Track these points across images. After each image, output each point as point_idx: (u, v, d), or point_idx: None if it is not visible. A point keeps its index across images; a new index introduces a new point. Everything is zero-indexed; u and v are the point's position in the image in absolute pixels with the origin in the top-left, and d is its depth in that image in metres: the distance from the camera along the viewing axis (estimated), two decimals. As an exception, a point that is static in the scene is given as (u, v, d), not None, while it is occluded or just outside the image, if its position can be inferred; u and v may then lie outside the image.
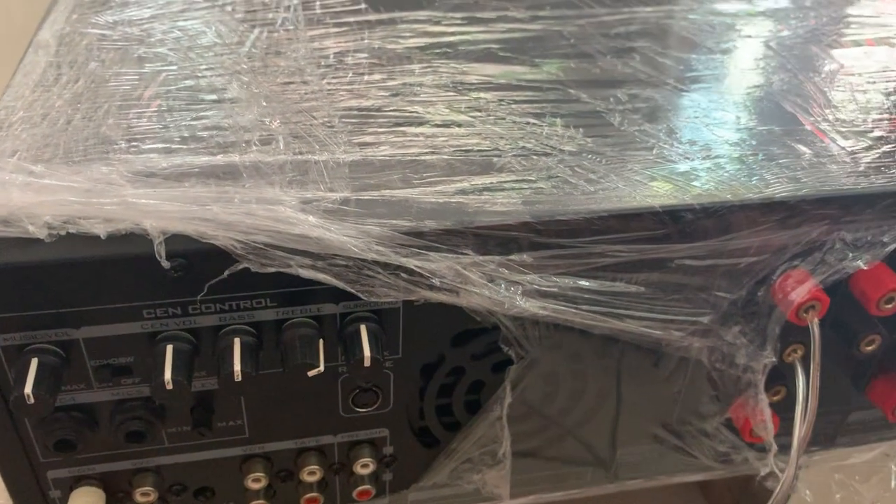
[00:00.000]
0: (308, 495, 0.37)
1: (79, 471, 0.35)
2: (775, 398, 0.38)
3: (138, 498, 0.36)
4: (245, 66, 0.40)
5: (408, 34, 0.45)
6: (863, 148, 0.37)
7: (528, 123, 0.38)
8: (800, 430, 0.35)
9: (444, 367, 0.36)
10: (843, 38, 0.48)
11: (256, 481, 0.36)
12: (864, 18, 0.50)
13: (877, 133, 0.38)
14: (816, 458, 0.46)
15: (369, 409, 0.36)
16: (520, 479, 0.41)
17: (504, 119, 0.38)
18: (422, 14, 0.47)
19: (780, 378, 0.38)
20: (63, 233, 0.29)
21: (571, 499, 0.44)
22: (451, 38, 0.45)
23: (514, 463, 0.39)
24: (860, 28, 0.49)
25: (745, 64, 0.45)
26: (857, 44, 0.47)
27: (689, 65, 0.44)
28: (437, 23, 0.46)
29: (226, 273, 0.30)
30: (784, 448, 0.37)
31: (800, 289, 0.34)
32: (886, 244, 0.34)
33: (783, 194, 0.34)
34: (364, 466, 0.37)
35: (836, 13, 0.51)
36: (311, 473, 0.37)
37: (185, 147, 0.34)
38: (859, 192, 0.34)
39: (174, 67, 0.40)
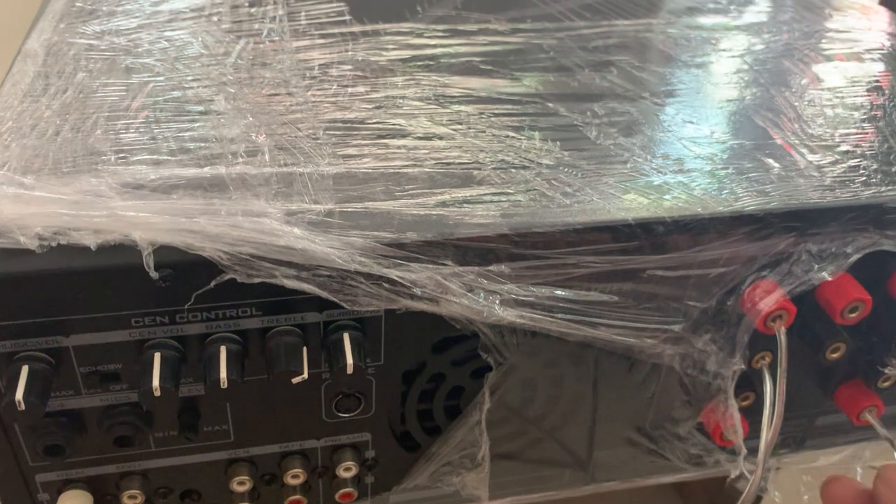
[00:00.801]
0: (292, 498, 0.38)
1: (67, 474, 0.36)
2: (744, 403, 0.39)
3: (125, 501, 0.36)
4: (231, 78, 0.41)
5: (391, 46, 0.46)
6: (829, 162, 0.38)
7: (507, 136, 0.39)
8: (767, 434, 0.37)
9: (425, 374, 0.37)
10: (815, 53, 0.49)
11: (241, 484, 0.37)
12: (835, 34, 0.52)
13: (844, 147, 0.40)
14: (786, 460, 0.48)
15: (352, 414, 0.37)
16: (499, 481, 0.42)
17: (484, 132, 0.39)
18: (405, 26, 0.48)
19: (748, 384, 0.39)
20: (54, 244, 0.30)
21: (549, 500, 0.45)
22: (434, 51, 0.46)
23: (493, 466, 0.40)
24: (831, 43, 0.51)
25: (719, 78, 0.46)
26: (828, 59, 0.49)
27: (665, 79, 0.45)
28: (420, 35, 0.47)
29: (212, 283, 0.30)
30: (753, 451, 0.38)
31: (767, 299, 0.35)
32: (850, 255, 0.36)
33: (752, 208, 0.35)
34: (347, 470, 0.38)
35: (809, 28, 0.53)
36: (295, 477, 0.38)
37: (172, 159, 0.34)
38: (825, 205, 0.36)
39: (161, 78, 0.41)
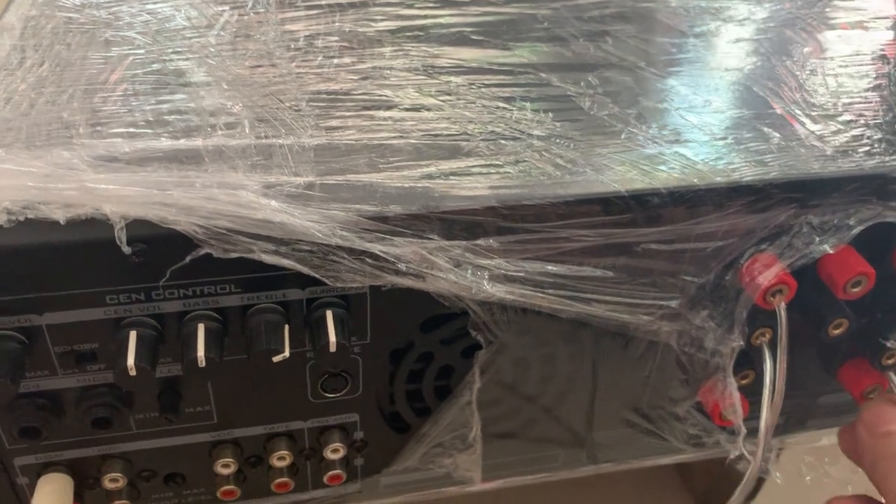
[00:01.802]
0: (278, 480, 0.38)
1: (46, 457, 0.35)
2: (744, 382, 0.38)
3: (107, 484, 0.35)
4: (213, 50, 0.40)
5: (379, 17, 0.44)
6: (832, 132, 0.37)
7: (497, 108, 0.37)
8: (767, 413, 0.36)
9: (414, 353, 0.36)
10: (818, 22, 0.48)
11: (226, 467, 0.36)
12: (839, 2, 0.50)
13: (847, 117, 0.38)
14: (789, 440, 0.47)
15: (339, 394, 0.36)
16: (492, 462, 0.41)
17: (474, 103, 0.38)
18: (394, -4, 0.46)
19: (748, 362, 0.38)
20: (22, 218, 0.29)
21: (545, 482, 0.44)
22: (424, 22, 0.44)
23: (486, 447, 0.40)
24: (835, 12, 0.49)
25: (718, 48, 0.45)
26: (832, 27, 0.47)
27: (663, 48, 0.44)
28: (410, 6, 0.46)
29: (188, 258, 0.29)
30: (753, 431, 0.37)
31: (767, 273, 0.34)
32: (853, 227, 0.34)
33: (750, 178, 0.34)
34: (335, 451, 0.37)
35: (812, -4, 0.51)
36: (281, 459, 0.37)
37: (149, 131, 0.33)
38: (827, 175, 0.34)
39: (142, 51, 0.40)
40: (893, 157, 0.35)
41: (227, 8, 0.44)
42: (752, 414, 0.38)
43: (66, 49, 0.40)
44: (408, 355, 0.36)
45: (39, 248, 0.29)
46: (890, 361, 0.39)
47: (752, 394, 0.38)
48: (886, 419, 0.36)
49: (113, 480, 0.35)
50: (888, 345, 0.37)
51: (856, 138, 0.37)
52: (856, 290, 0.35)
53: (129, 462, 0.36)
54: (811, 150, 0.36)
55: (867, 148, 0.36)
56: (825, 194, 0.34)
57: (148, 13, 0.43)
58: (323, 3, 0.45)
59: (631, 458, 0.44)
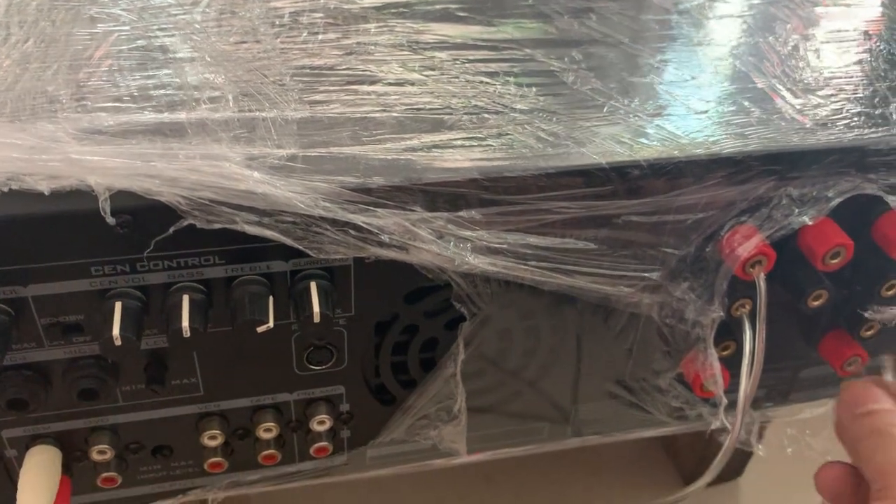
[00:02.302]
0: (265, 452, 0.38)
1: (34, 430, 0.35)
2: (724, 353, 0.39)
3: (95, 456, 0.36)
4: (199, 27, 0.40)
5: (365, -6, 0.44)
6: (812, 105, 0.37)
7: (481, 82, 0.38)
8: (747, 383, 0.36)
9: (398, 325, 0.37)
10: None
11: (213, 439, 0.37)
12: (823, -21, 0.51)
13: (827, 91, 0.38)
14: (771, 413, 0.48)
15: (324, 366, 0.36)
16: (478, 434, 0.42)
17: (457, 78, 0.38)
18: (380, -26, 0.46)
19: (729, 333, 0.38)
20: (6, 189, 0.29)
21: (530, 454, 0.45)
22: (409, -2, 0.44)
23: (471, 419, 0.40)
24: (819, -11, 0.49)
25: (701, 24, 0.45)
26: (815, 3, 0.47)
27: (646, 24, 0.44)
28: (396, -17, 0.46)
29: (171, 229, 0.30)
30: (735, 403, 0.37)
31: (746, 244, 0.34)
32: (831, 199, 0.35)
33: (730, 150, 0.34)
34: (321, 423, 0.38)
35: (797, -26, 0.51)
36: (268, 431, 0.37)
37: (133, 105, 0.33)
38: (805, 147, 0.35)
39: (127, 28, 0.40)
40: (872, 129, 0.36)
41: (212, -15, 0.44)
42: (734, 387, 0.38)
43: (52, 25, 0.40)
44: (392, 327, 0.37)
45: (24, 219, 0.29)
46: (869, 333, 0.40)
47: (733, 365, 0.39)
48: (865, 399, 0.36)
49: (101, 452, 0.36)
50: (866, 315, 0.38)
51: (835, 112, 0.37)
52: (835, 261, 0.35)
53: (117, 434, 0.36)
54: (791, 124, 0.36)
55: (846, 121, 0.36)
56: (804, 167, 0.35)
57: (133, -10, 0.43)
58: (308, -20, 0.46)
59: (615, 431, 0.45)
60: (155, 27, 0.40)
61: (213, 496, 0.40)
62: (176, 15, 0.41)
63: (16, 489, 0.35)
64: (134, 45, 0.38)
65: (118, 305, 0.31)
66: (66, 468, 0.36)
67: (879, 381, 0.36)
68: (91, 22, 0.40)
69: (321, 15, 0.42)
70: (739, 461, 0.72)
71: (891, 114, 0.37)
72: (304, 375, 0.37)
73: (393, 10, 0.43)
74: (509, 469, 0.77)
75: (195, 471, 0.39)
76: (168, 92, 0.35)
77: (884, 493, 0.32)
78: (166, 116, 0.32)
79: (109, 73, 0.36)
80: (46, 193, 0.29)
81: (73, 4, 0.42)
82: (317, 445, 0.38)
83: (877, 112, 0.37)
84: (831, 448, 0.46)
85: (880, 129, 0.36)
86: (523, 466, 0.77)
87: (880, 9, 0.48)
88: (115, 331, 0.30)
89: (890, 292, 0.38)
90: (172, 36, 0.39)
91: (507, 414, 0.42)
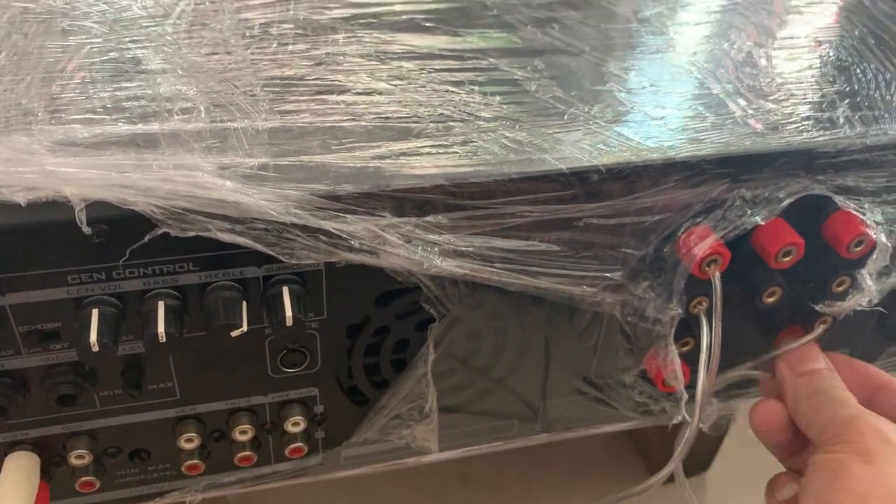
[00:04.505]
0: (241, 454, 0.39)
1: (12, 436, 0.36)
2: (685, 349, 0.40)
3: (73, 461, 0.37)
4: (170, 38, 0.41)
5: (333, 5, 0.45)
6: (764, 111, 0.39)
7: (447, 91, 0.39)
8: (704, 377, 0.38)
9: (370, 327, 0.38)
10: (756, 7, 0.50)
11: (189, 441, 0.37)
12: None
13: (777, 96, 0.40)
14: (736, 406, 0.49)
15: (298, 369, 0.37)
16: (450, 433, 0.43)
17: (424, 87, 0.39)
18: (348, -15, 0.48)
19: (688, 330, 0.40)
20: (-17, 201, 0.30)
21: (500, 451, 0.46)
22: (377, 9, 0.46)
23: (443, 418, 0.41)
24: (773, -3, 0.51)
25: (661, 32, 0.46)
26: (769, 12, 0.49)
27: (607, 34, 0.46)
28: (364, -6, 0.47)
29: (146, 238, 0.30)
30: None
31: (702, 244, 0.36)
32: (782, 200, 0.36)
33: (685, 155, 0.35)
34: (295, 425, 0.39)
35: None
36: (243, 433, 0.38)
37: (107, 117, 0.34)
38: (757, 151, 0.36)
39: (99, 40, 0.40)
40: (820, 132, 0.37)
41: (183, -3, 0.45)
42: (695, 381, 0.40)
43: (24, 38, 0.40)
44: (364, 330, 0.38)
45: (1, 230, 0.30)
46: (822, 327, 0.41)
47: (693, 361, 0.40)
48: (808, 357, 0.38)
49: (79, 457, 0.37)
50: (818, 308, 0.40)
51: (786, 116, 0.39)
52: (787, 259, 0.37)
53: (95, 439, 0.37)
54: (744, 128, 0.38)
55: (796, 125, 0.38)
56: (756, 169, 0.36)
57: (104, 3, 0.44)
58: (278, -9, 0.46)
59: (583, 426, 0.46)
60: (127, 39, 0.41)
61: (190, 498, 0.41)
62: (147, 27, 0.42)
63: (-5, 495, 0.35)
64: (106, 58, 0.39)
65: (95, 312, 0.31)
66: (45, 473, 0.37)
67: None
68: (63, 34, 0.41)
69: (291, 26, 0.43)
70: (707, 455, 0.73)
71: (838, 118, 0.39)
72: (278, 378, 0.37)
73: (361, 21, 0.44)
74: (485, 469, 0.78)
75: (172, 473, 0.39)
76: (141, 103, 0.35)
77: (830, 443, 0.34)
78: (140, 128, 0.33)
79: (82, 86, 0.37)
80: (23, 205, 0.30)
81: (45, 17, 0.42)
82: (292, 446, 0.39)
83: (825, 116, 0.39)
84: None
85: (828, 132, 0.38)
86: (497, 466, 0.78)
87: (832, 17, 0.50)
88: (93, 337, 0.31)
89: (840, 288, 0.40)
90: (144, 48, 0.40)
91: (477, 412, 0.43)
